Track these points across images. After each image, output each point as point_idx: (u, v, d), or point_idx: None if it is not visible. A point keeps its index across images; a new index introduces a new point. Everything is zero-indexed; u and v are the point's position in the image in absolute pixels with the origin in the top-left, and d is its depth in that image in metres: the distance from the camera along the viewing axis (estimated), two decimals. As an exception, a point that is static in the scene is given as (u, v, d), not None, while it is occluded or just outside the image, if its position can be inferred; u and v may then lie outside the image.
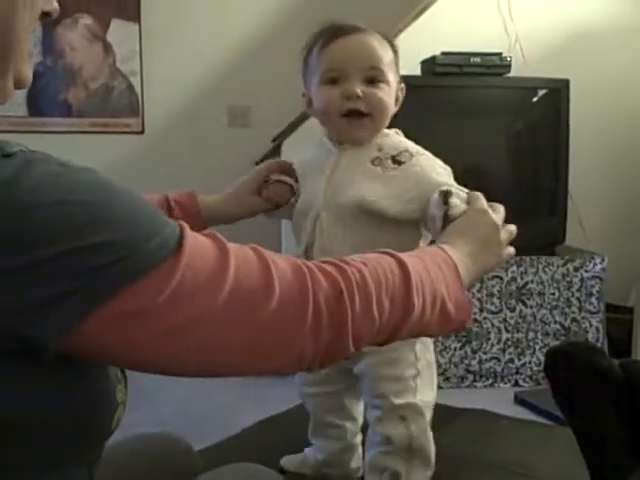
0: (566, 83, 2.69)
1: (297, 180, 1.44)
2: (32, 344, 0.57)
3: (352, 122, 1.36)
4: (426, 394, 1.47)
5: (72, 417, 0.64)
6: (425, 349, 1.47)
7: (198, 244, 0.65)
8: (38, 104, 3.06)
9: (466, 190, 1.24)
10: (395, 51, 1.40)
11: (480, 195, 1.07)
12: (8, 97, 0.70)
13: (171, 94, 3.30)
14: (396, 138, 1.41)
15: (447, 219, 1.06)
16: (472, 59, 2.65)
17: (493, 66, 2.68)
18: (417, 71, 2.72)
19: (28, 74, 0.71)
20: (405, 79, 1.44)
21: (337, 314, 0.71)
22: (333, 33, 1.37)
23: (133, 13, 3.18)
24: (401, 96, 1.42)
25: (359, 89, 1.33)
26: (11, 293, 0.55)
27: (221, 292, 0.64)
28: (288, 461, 1.77)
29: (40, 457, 0.63)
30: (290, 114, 2.93)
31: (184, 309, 0.62)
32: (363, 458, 1.66)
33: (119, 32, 3.17)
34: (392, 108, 1.39)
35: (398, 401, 1.44)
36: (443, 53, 2.64)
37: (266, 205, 1.43)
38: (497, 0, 2.92)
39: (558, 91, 2.70)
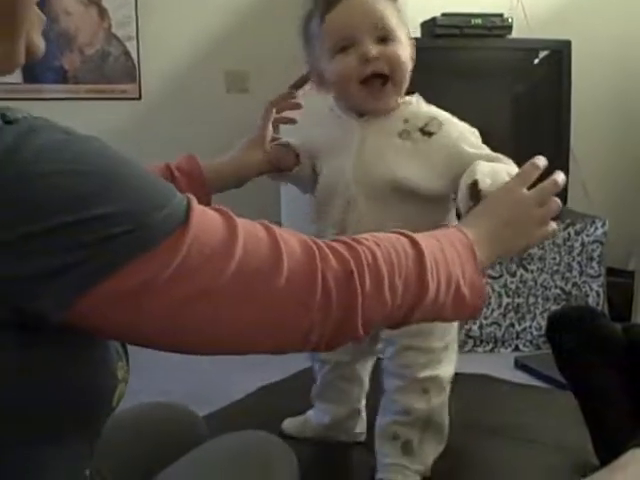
0: (568, 44, 2.66)
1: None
2: (33, 315, 0.56)
3: (374, 91, 1.29)
4: (449, 368, 1.46)
5: (71, 393, 0.63)
6: (453, 323, 1.45)
7: (206, 217, 0.64)
8: (33, 70, 3.02)
9: (500, 156, 1.19)
10: (399, 8, 1.32)
11: (523, 173, 0.99)
12: (18, 64, 0.66)
13: (168, 60, 3.26)
14: (419, 106, 1.34)
15: (477, 203, 1.00)
16: (473, 20, 2.61)
17: (494, 27, 2.64)
18: (417, 33, 2.68)
19: (40, 42, 0.67)
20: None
21: (346, 294, 0.69)
22: (329, 0, 1.29)
23: (128, -23, 3.13)
24: (413, 52, 1.34)
25: (375, 50, 1.25)
26: (14, 263, 0.54)
27: (229, 266, 0.63)
28: (290, 424, 1.76)
29: (39, 432, 0.63)
30: (289, 80, 2.89)
31: (190, 282, 0.61)
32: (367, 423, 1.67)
33: (115, -4, 3.12)
34: (410, 65, 1.31)
35: (424, 373, 1.42)
36: (443, 14, 2.60)
37: (267, 165, 1.38)
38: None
39: (560, 52, 2.67)
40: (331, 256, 0.70)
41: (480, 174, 1.05)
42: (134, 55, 3.20)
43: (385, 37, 1.27)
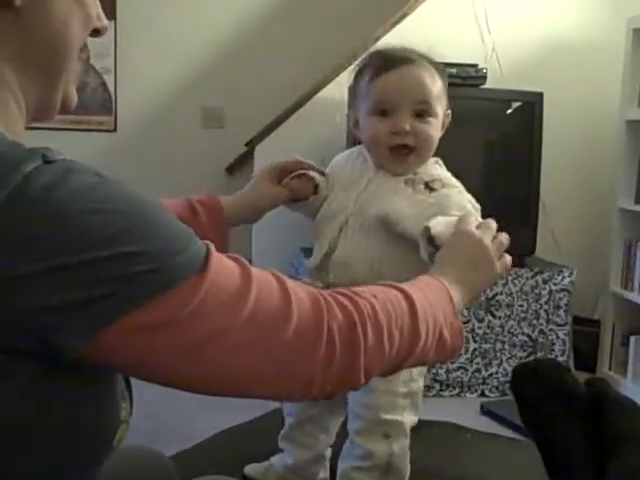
0: (540, 96, 2.72)
1: (323, 173, 1.42)
2: (52, 347, 0.58)
3: (397, 157, 1.36)
4: (412, 417, 1.48)
5: (75, 429, 0.64)
6: (421, 373, 1.48)
7: (223, 264, 0.67)
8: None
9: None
10: (444, 79, 1.40)
11: (465, 216, 1.07)
12: (53, 115, 0.71)
13: (145, 93, 3.28)
14: (433, 168, 1.40)
15: (437, 250, 1.05)
16: (448, 70, 2.65)
17: (469, 77, 2.69)
18: (393, 79, 2.72)
19: (74, 94, 0.72)
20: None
21: (350, 346, 0.72)
22: (384, 64, 1.36)
23: (109, 10, 3.13)
24: (447, 122, 1.42)
25: (408, 125, 1.33)
26: (39, 295, 0.56)
27: (241, 313, 0.65)
28: (252, 469, 1.75)
29: (40, 467, 0.63)
30: (264, 117, 2.92)
31: (204, 326, 0.63)
32: (330, 470, 1.66)
33: (94, 28, 3.13)
34: (437, 140, 1.38)
35: (385, 416, 1.44)
36: (420, 62, 2.64)
37: (286, 195, 1.38)
38: (474, 11, 2.94)
39: (532, 104, 2.72)
40: (337, 309, 0.73)
41: (432, 222, 1.11)
42: (111, 87, 3.21)
43: (423, 112, 1.34)
